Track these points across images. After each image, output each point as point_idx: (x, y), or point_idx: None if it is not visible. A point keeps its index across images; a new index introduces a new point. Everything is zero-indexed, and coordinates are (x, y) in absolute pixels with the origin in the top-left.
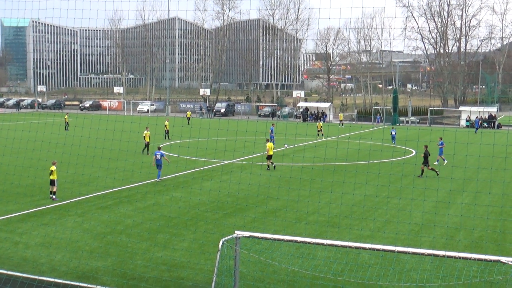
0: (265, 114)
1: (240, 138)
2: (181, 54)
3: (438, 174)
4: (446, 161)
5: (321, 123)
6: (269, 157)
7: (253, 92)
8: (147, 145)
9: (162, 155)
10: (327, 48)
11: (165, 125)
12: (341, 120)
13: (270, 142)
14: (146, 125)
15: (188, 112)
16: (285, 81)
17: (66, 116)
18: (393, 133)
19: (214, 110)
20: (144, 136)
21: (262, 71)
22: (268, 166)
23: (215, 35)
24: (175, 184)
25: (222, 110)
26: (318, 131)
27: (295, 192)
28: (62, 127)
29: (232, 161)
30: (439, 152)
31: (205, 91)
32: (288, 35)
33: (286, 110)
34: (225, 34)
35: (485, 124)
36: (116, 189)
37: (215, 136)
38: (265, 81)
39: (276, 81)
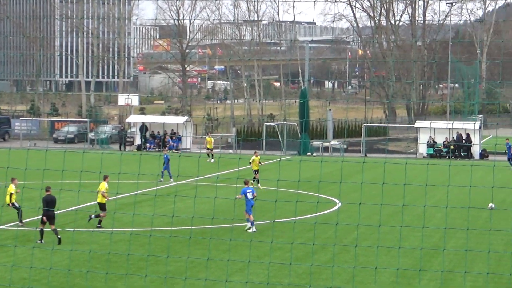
0: (66, 137)
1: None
2: None
3: None
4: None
5: (258, 157)
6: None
7: (44, 97)
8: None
9: None
10: (180, 16)
11: None
12: (210, 149)
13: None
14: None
15: None
16: (103, 76)
17: None
18: None
19: None
20: None
21: (60, 59)
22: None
23: None
24: None
25: None
26: (255, 171)
27: (122, 281)
28: None
29: (3, 226)
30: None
31: None
32: None
33: (106, 130)
34: None
35: (450, 151)
36: None
37: None
38: (66, 76)
39: (87, 77)
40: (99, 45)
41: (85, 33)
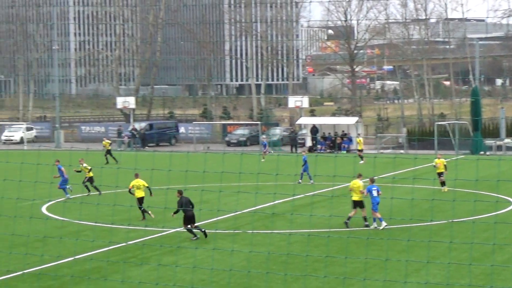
0: (238, 140)
1: (193, 185)
2: (80, 34)
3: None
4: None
5: (441, 160)
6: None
7: (215, 101)
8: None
9: None
10: (348, 17)
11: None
12: (360, 150)
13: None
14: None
15: (105, 141)
16: (273, 79)
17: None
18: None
19: (137, 135)
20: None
21: (231, 63)
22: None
23: None
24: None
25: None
26: (439, 175)
27: (298, 283)
28: None
29: (181, 228)
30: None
31: (126, 101)
32: None
33: (278, 132)
34: None
35: None
36: None
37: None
38: (237, 79)
39: (257, 80)
40: (268, 48)
41: (254, 36)
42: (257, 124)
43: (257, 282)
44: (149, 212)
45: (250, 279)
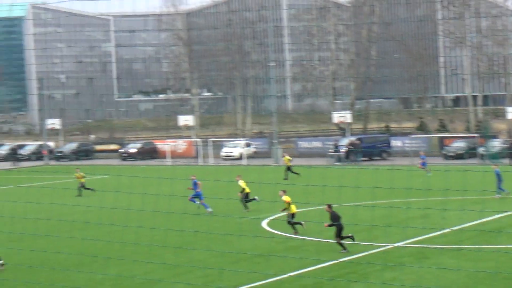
0: (455, 153)
1: (414, 199)
2: (295, 50)
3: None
4: None
5: None
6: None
7: (431, 114)
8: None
9: None
10: None
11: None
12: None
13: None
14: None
15: (285, 157)
16: (490, 90)
17: (78, 173)
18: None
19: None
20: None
21: (445, 75)
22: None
23: (355, 12)
24: None
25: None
26: None
27: None
28: (73, 191)
29: (401, 243)
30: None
31: (342, 116)
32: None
33: (496, 144)
34: (372, 10)
35: None
36: None
37: (360, 199)
38: (452, 91)
39: (474, 91)
40: (483, 58)
41: (469, 47)
42: (474, 137)
43: None
44: (302, 223)
45: None
